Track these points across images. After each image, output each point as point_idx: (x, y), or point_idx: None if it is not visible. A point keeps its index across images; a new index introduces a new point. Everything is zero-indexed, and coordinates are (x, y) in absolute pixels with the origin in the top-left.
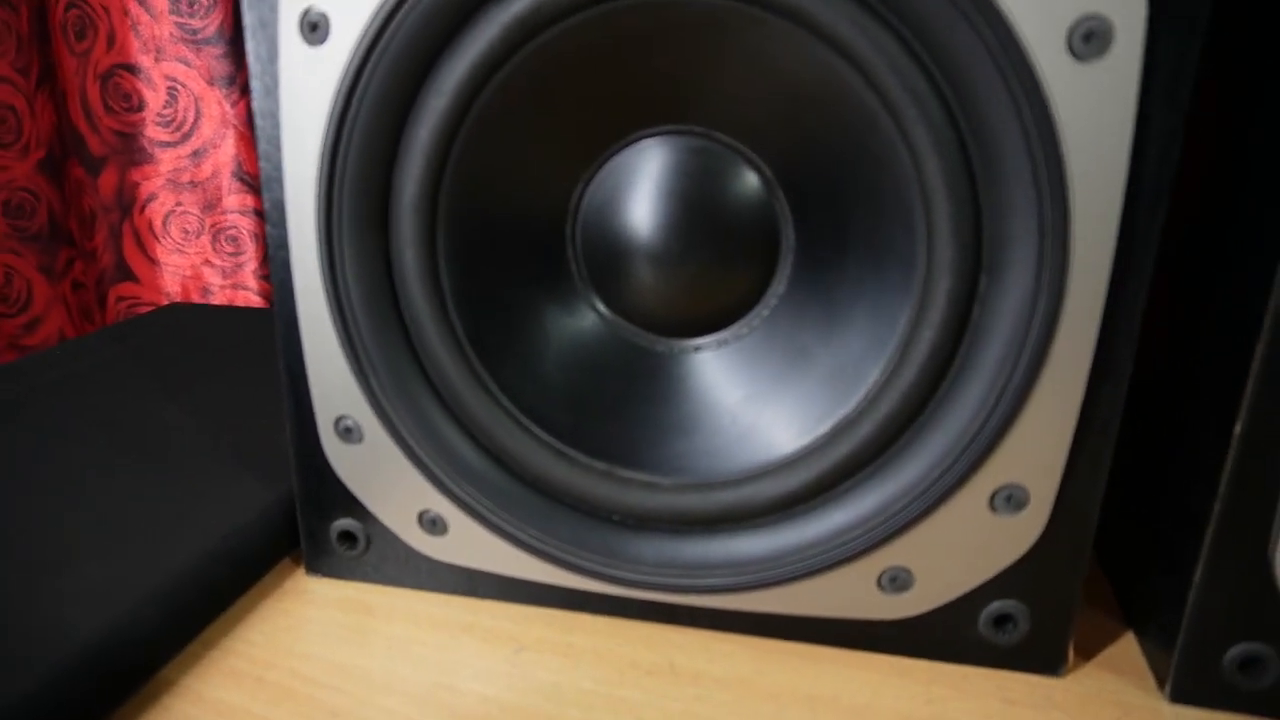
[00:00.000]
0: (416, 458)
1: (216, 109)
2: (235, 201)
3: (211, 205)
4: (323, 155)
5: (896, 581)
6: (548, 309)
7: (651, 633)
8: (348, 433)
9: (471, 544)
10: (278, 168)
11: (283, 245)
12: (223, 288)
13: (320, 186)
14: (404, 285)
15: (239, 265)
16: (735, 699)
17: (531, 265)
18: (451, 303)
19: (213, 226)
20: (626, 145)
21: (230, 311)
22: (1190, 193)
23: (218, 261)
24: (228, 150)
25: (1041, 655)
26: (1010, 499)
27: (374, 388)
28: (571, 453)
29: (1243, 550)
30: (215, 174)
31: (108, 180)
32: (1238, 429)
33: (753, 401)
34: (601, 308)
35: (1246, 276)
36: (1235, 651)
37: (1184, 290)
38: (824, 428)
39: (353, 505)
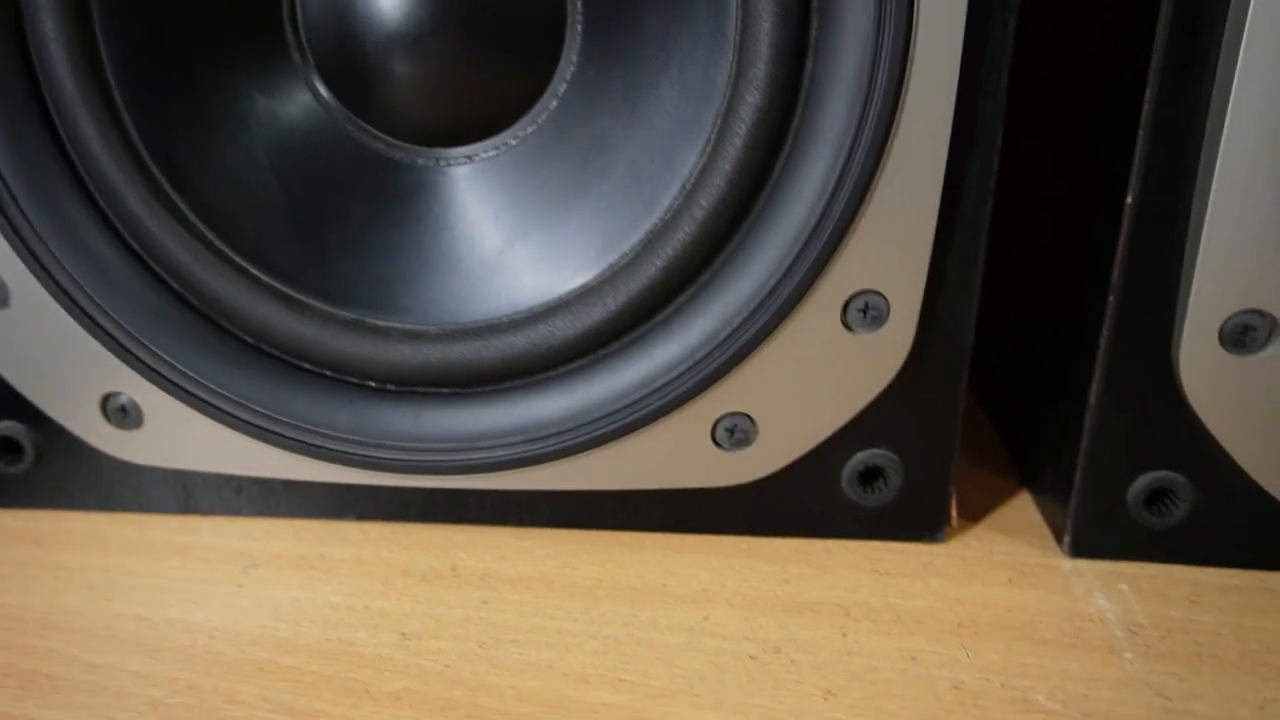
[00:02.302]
0: (89, 319)
1: None
2: None
3: None
4: None
5: (735, 434)
6: (262, 108)
7: (431, 536)
8: None
9: (178, 436)
10: None
11: None
12: None
13: None
14: (47, 70)
15: None
16: (533, 599)
17: (237, 45)
18: (120, 96)
19: None
20: None
21: None
22: None
23: None
24: None
25: (918, 517)
26: (867, 311)
27: (12, 219)
28: (304, 298)
29: (1142, 356)
30: None
31: None
32: (1129, 199)
33: (541, 218)
34: (337, 108)
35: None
36: (1141, 483)
37: (1062, 45)
38: (631, 240)
39: (8, 399)
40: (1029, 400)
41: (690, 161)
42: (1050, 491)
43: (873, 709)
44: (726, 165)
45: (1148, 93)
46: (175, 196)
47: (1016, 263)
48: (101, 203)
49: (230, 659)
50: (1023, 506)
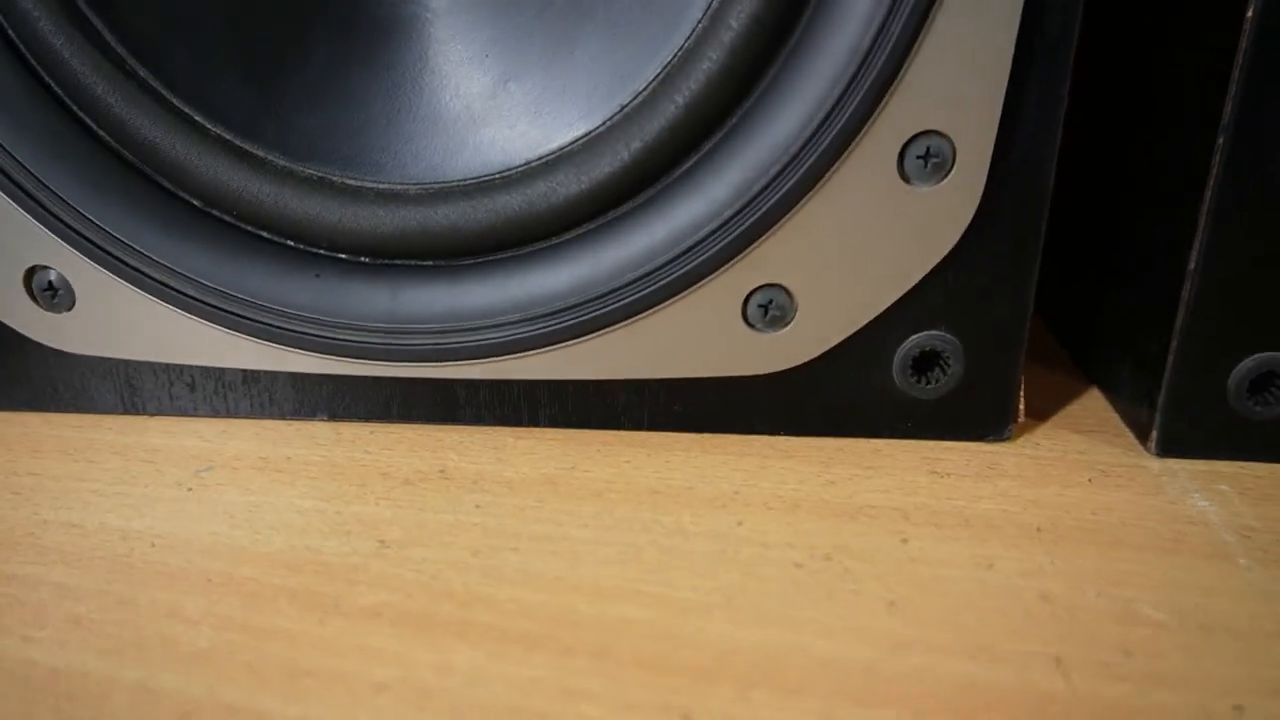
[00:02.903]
0: (4, 177)
1: None
2: None
3: None
4: None
5: (770, 311)
6: None
7: (416, 436)
8: None
9: (117, 320)
10: None
11: None
12: None
13: None
14: None
15: None
16: (535, 503)
17: None
18: None
19: None
20: None
21: None
22: None
23: None
24: None
25: (981, 412)
26: (928, 158)
27: None
28: (260, 152)
29: (1256, 208)
30: None
31: None
32: (1249, 11)
33: (537, 53)
34: None
35: None
36: (1245, 367)
37: None
38: (646, 75)
39: None
40: (1097, 283)
41: None
42: (1129, 383)
43: (948, 623)
44: None
45: None
46: (94, 18)
47: (1092, 101)
48: (10, 30)
49: (174, 569)
50: (1091, 403)
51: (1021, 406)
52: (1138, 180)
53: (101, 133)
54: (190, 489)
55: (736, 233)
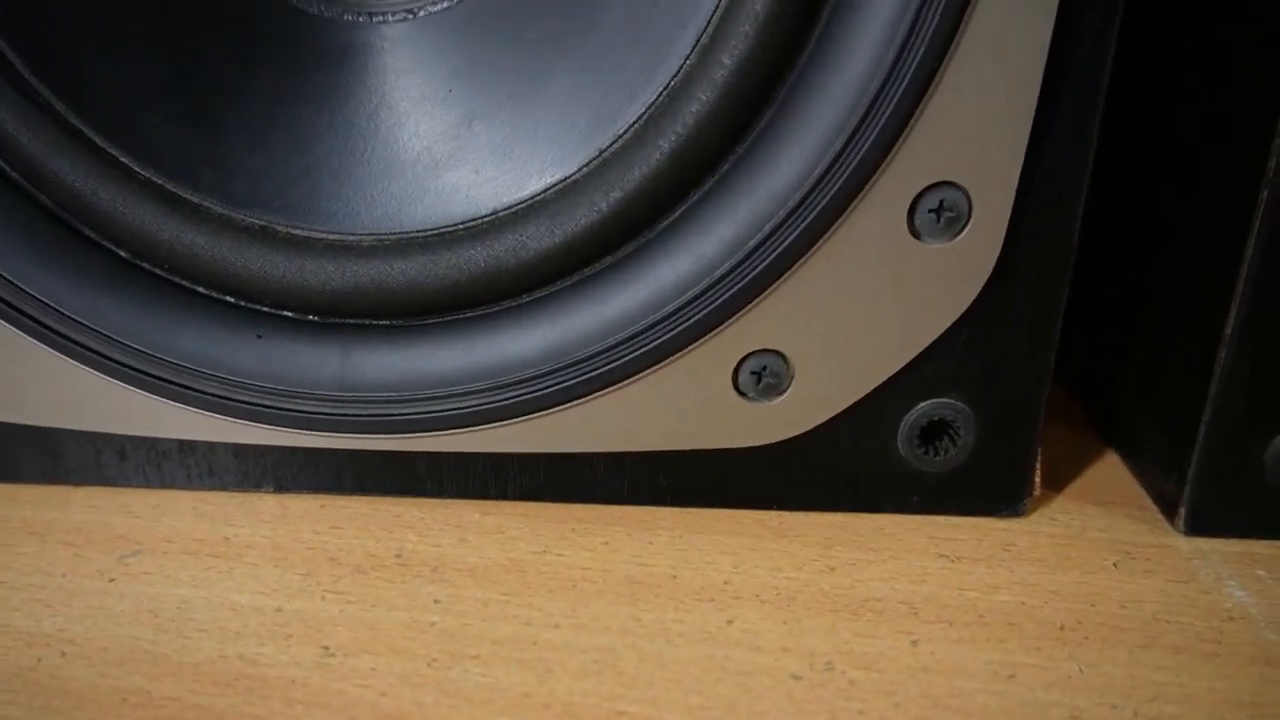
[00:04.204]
0: None
1: None
2: None
3: None
4: None
5: (764, 378)
6: None
7: (371, 512)
8: None
9: (33, 384)
10: None
11: None
12: None
13: None
14: None
15: None
16: (501, 597)
17: None
18: None
19: None
20: None
21: None
22: None
23: None
24: None
25: (994, 485)
26: (941, 212)
27: None
28: (195, 198)
29: None
30: None
31: None
32: None
33: (507, 90)
34: None
35: None
36: None
37: None
38: (627, 116)
39: None
40: (1120, 344)
41: (707, 3)
42: (1154, 452)
43: None
44: (757, 5)
45: None
46: (4, 47)
47: (1120, 152)
48: None
49: (82, 687)
50: (1112, 469)
51: (1038, 479)
52: (1173, 236)
53: (13, 174)
54: (113, 579)
55: (728, 295)
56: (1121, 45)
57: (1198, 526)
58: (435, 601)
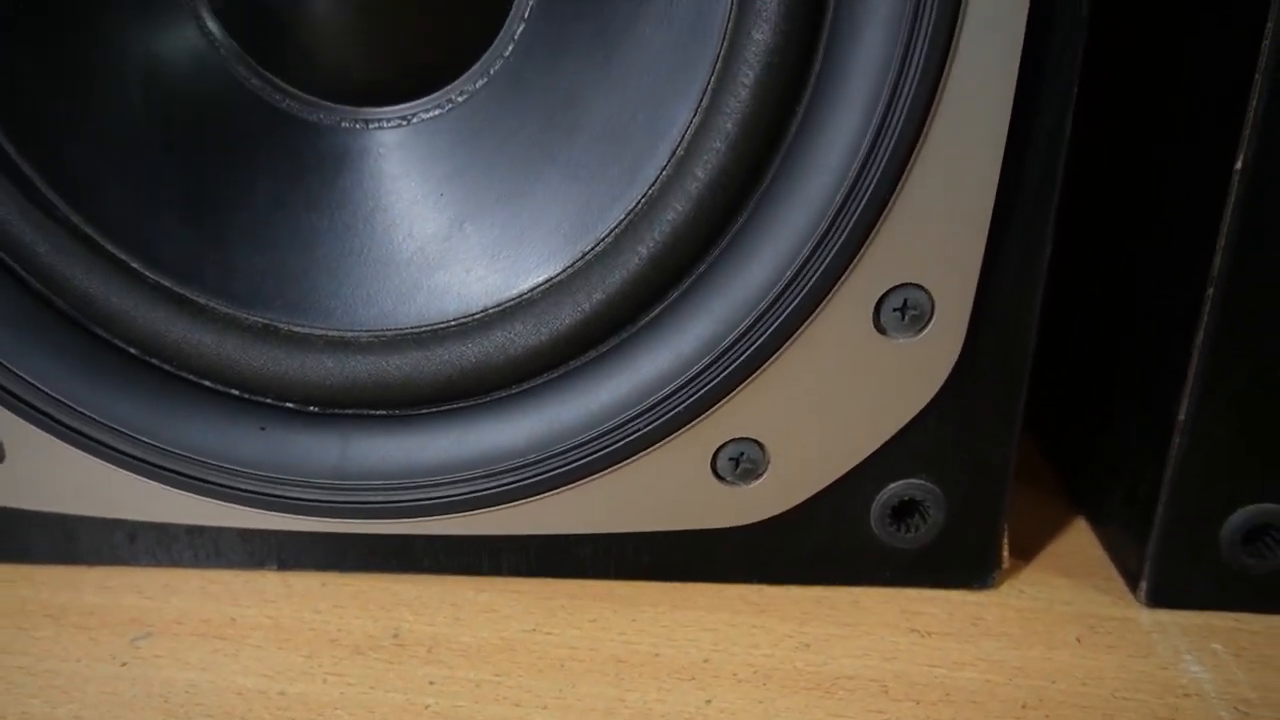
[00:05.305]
0: None
1: None
2: None
3: None
4: None
5: (741, 464)
6: (138, 50)
7: (371, 589)
8: None
9: (49, 473)
10: None
11: None
12: None
13: None
14: None
15: None
16: (493, 677)
17: None
18: None
19: None
20: None
21: None
22: None
23: None
24: None
25: (963, 560)
26: (905, 310)
27: None
28: (201, 299)
29: (1246, 362)
30: None
31: None
32: (1238, 164)
33: (495, 195)
34: (235, 53)
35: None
36: (1239, 517)
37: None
38: (609, 221)
39: None
40: (1090, 413)
41: (681, 119)
42: (1119, 524)
43: None
44: (728, 124)
45: (1265, 44)
46: (23, 164)
47: (1077, 243)
48: None
49: None
50: (1080, 537)
51: (1005, 553)
52: (1134, 319)
53: (31, 279)
54: (125, 663)
55: (705, 389)
56: (1076, 136)
57: (1159, 599)
58: (430, 683)
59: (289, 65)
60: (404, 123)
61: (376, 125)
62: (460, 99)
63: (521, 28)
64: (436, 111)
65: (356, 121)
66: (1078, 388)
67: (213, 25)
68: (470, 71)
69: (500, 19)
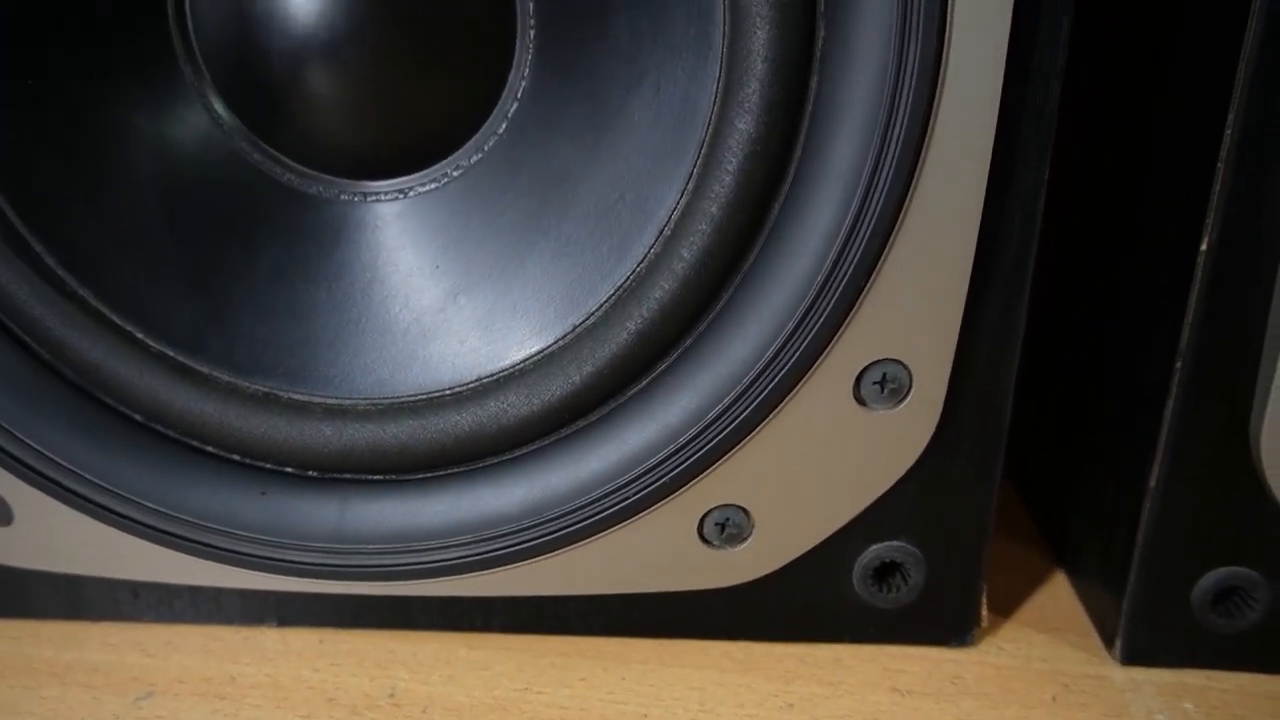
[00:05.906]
0: None
1: None
2: None
3: None
4: None
5: (727, 529)
6: (146, 131)
7: (367, 647)
8: None
9: (55, 535)
10: None
11: None
12: None
13: None
14: None
15: None
16: None
17: (111, 51)
18: None
19: None
20: None
21: None
22: None
23: None
24: None
25: (942, 619)
26: (885, 384)
27: None
28: (203, 368)
29: (1215, 432)
30: None
31: None
32: (1204, 245)
33: (489, 268)
34: (238, 130)
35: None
36: (1209, 580)
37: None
38: (598, 296)
39: None
40: (1070, 475)
41: (669, 201)
42: (1096, 582)
43: None
44: (713, 207)
45: (1230, 117)
46: (35, 243)
47: (1058, 312)
48: None
49: None
50: (1059, 591)
51: (984, 611)
52: (1107, 388)
53: (39, 351)
54: None
55: (691, 459)
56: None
57: (1133, 657)
58: None
59: (290, 141)
60: (401, 196)
61: (374, 198)
62: (456, 174)
63: (515, 106)
64: (433, 185)
65: (355, 194)
66: (1057, 449)
67: (217, 105)
68: (465, 147)
69: (494, 97)
